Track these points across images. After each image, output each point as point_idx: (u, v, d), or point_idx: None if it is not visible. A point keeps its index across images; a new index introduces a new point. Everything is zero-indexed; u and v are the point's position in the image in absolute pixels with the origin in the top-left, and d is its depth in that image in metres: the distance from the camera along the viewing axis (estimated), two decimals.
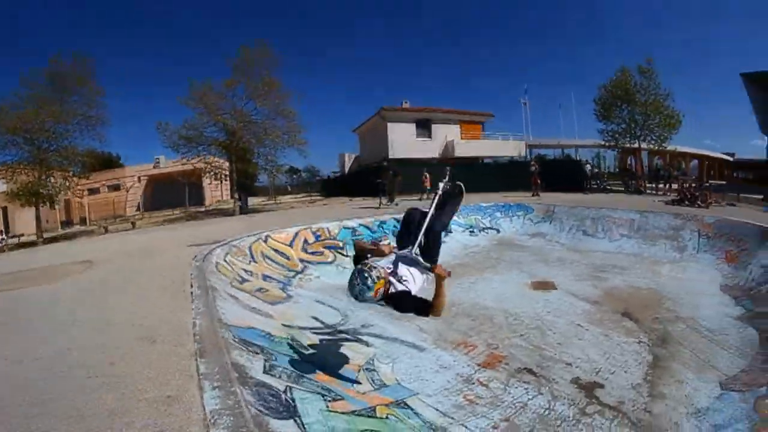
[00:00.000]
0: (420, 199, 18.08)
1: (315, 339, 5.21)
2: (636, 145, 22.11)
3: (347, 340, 5.46)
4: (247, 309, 5.43)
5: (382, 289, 3.07)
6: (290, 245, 9.26)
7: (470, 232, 13.71)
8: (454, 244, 12.60)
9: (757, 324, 5.98)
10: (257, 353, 3.87)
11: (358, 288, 2.99)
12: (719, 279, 8.40)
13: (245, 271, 7.46)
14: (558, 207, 14.83)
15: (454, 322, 6.80)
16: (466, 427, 4.05)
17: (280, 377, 3.54)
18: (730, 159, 39.20)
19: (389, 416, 3.65)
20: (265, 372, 3.48)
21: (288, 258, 8.89)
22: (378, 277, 3.00)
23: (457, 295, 8.21)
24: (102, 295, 5.68)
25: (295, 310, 6.27)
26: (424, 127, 27.23)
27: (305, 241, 9.66)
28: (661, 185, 20.82)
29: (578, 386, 4.93)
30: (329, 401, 3.38)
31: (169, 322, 4.33)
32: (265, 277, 7.59)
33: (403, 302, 3.31)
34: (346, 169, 35.00)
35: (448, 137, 27.39)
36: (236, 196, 18.89)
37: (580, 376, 5.14)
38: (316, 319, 6.06)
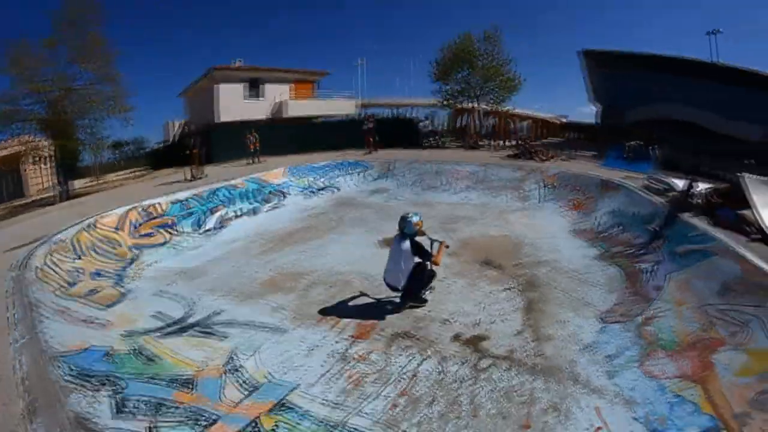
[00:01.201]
0: (248, 164, 17.22)
1: (163, 344, 4.98)
2: (471, 105, 25.34)
3: (199, 335, 5.32)
4: (80, 323, 5.19)
5: (418, 228, 5.97)
6: (118, 230, 8.85)
7: (308, 193, 13.87)
8: (291, 207, 12.47)
9: (617, 262, 7.16)
10: (102, 384, 3.68)
11: (411, 218, 5.89)
12: (568, 224, 9.98)
13: (73, 270, 7.04)
14: (397, 162, 15.85)
15: (309, 293, 6.57)
16: (365, 415, 3.74)
17: (136, 414, 3.35)
18: (561, 121, 49.40)
19: (278, 425, 3.56)
20: (117, 413, 3.30)
21: (118, 245, 8.44)
22: (420, 221, 6.01)
23: (306, 262, 7.95)
24: None
25: (135, 308, 6.12)
26: (254, 88, 28.14)
27: (134, 223, 9.27)
28: (498, 142, 24.03)
29: (463, 342, 5.02)
30: (204, 428, 3.30)
31: None
32: (97, 274, 7.24)
33: (419, 248, 5.83)
34: (172, 138, 34.12)
35: (280, 97, 28.51)
36: (57, 180, 18.07)
37: (461, 332, 5.26)
38: (159, 315, 5.86)
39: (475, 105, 25.05)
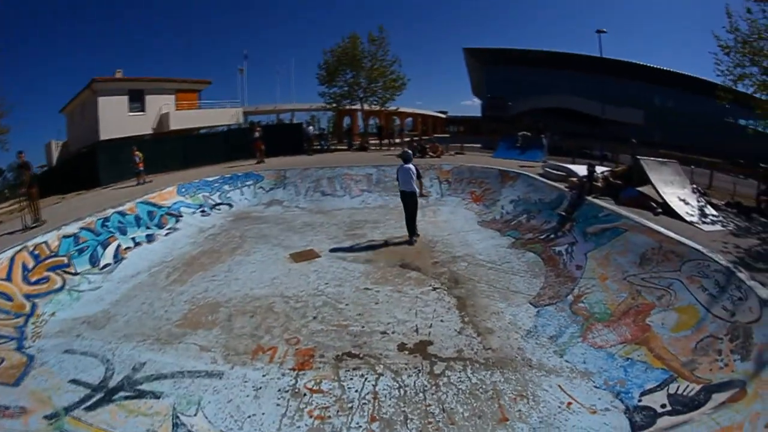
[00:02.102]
0: (137, 183, 15.45)
1: (95, 422, 4.45)
2: (356, 107, 26.84)
3: (130, 398, 4.82)
4: None
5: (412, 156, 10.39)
6: (8, 279, 7.79)
7: (202, 212, 13.30)
8: (189, 229, 11.76)
9: (532, 248, 8.00)
10: None
11: (409, 150, 10.58)
12: (473, 217, 10.86)
13: None
14: (289, 171, 15.83)
15: (232, 325, 6.32)
16: None
17: None
18: (443, 116, 54.22)
19: None
20: None
21: (10, 299, 7.43)
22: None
23: (218, 290, 7.64)
24: None
25: (47, 379, 5.39)
26: (137, 100, 28.10)
27: (24, 267, 8.20)
28: (386, 140, 25.45)
29: (409, 351, 5.22)
30: None
31: None
32: None
33: (418, 170, 9.46)
34: (54, 160, 31.91)
35: (163, 109, 28.75)
36: None
37: (404, 341, 5.45)
38: (77, 383, 5.21)
39: (360, 106, 26.51)
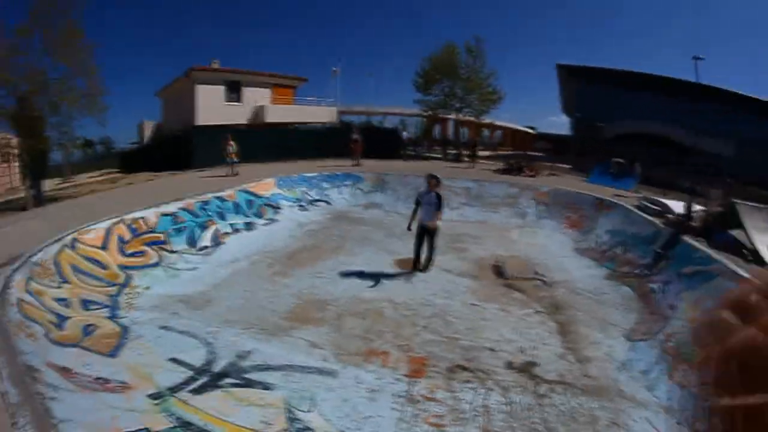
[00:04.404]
0: (226, 175, 16.32)
1: (205, 407, 4.45)
2: (450, 116, 28.29)
3: (238, 386, 4.98)
4: (92, 388, 4.37)
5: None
6: (104, 248, 8.04)
7: (300, 206, 14.08)
8: (288, 223, 12.50)
9: (628, 282, 8.59)
10: None
11: (441, 178, 9.60)
12: (569, 243, 11.41)
13: (60, 301, 6.11)
14: (388, 176, 16.53)
15: (342, 325, 6.78)
16: None
17: None
18: (532, 131, 53.83)
19: None
20: None
21: (105, 267, 7.67)
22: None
23: (325, 288, 8.21)
24: None
25: (145, 354, 5.44)
26: (234, 91, 29.96)
27: (120, 239, 8.52)
28: (480, 153, 26.17)
29: (516, 370, 5.88)
30: None
31: None
32: (86, 304, 6.42)
33: (440, 198, 8.93)
34: (145, 140, 35.67)
35: (259, 102, 30.44)
36: (28, 182, 16.58)
37: (511, 360, 6.11)
38: (177, 362, 5.34)
39: (455, 116, 27.80)
